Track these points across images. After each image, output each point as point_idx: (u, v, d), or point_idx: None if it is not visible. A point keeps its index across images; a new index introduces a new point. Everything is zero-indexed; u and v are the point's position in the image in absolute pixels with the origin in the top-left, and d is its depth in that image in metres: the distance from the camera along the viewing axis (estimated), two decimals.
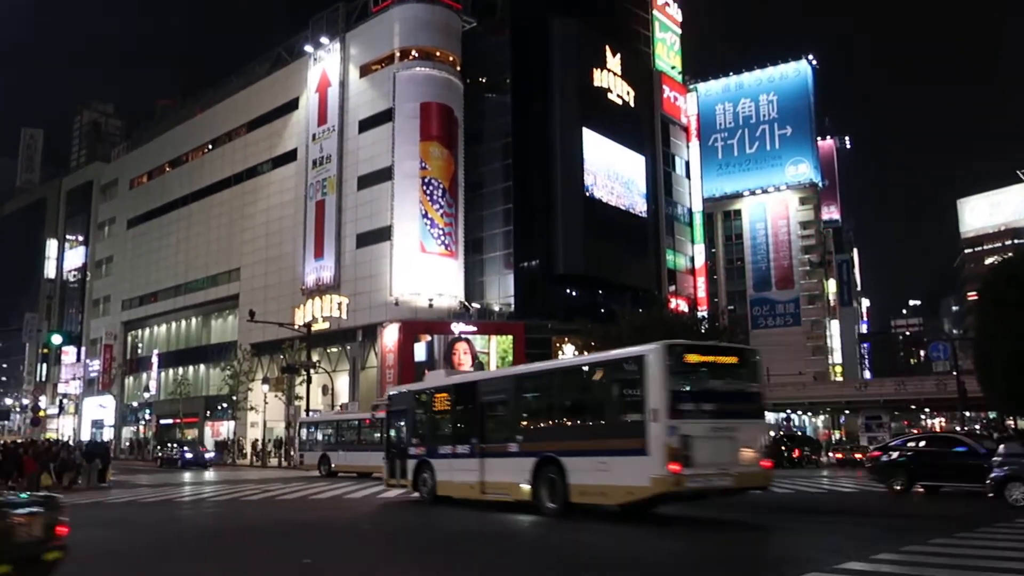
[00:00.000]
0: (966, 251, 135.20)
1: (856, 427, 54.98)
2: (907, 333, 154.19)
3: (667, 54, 66.93)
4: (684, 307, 58.84)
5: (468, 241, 50.17)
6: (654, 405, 12.64)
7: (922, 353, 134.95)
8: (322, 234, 52.38)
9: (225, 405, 57.85)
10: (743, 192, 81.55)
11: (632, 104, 58.53)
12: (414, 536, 13.48)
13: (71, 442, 41.66)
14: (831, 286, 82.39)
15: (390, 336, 46.62)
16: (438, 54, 50.61)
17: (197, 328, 66.18)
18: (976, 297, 42.34)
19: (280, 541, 12.49)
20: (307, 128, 55.07)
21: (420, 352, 46.32)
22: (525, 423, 15.96)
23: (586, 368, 16.04)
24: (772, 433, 55.81)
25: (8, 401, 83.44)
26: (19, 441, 33.01)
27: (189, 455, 44.54)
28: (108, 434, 67.62)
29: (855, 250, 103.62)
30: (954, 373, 39.83)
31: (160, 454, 48.48)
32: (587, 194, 52.11)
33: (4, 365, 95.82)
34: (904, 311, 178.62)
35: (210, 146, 64.97)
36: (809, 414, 66.73)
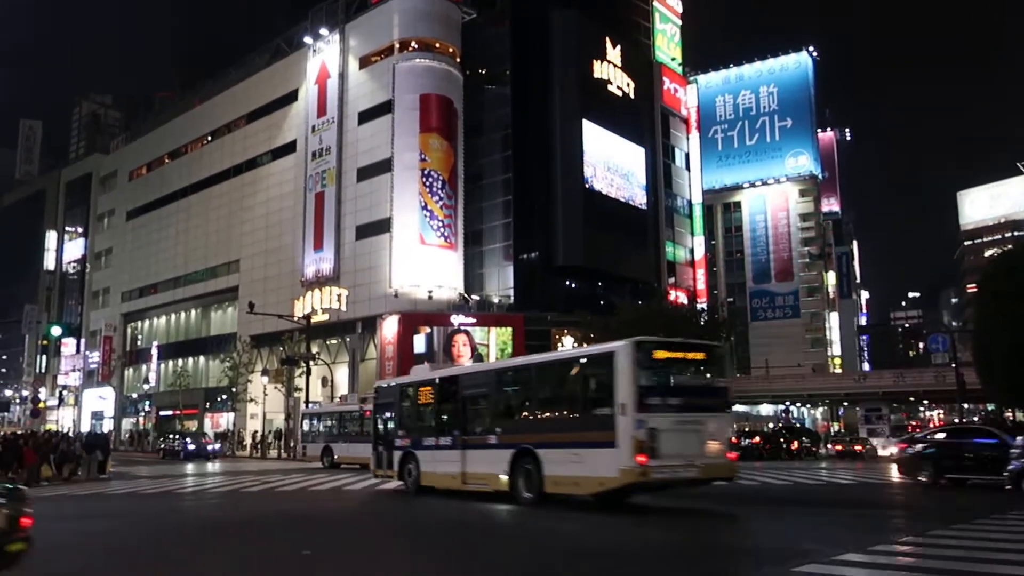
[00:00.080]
0: (966, 243, 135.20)
1: (855, 419, 55.08)
2: (906, 325, 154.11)
3: (667, 45, 66.78)
4: (683, 299, 58.86)
5: (468, 233, 50.16)
6: (622, 400, 13.11)
7: (921, 345, 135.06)
8: (321, 226, 52.35)
9: (225, 397, 57.92)
10: (743, 184, 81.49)
11: (632, 96, 58.43)
12: (408, 527, 13.50)
13: (71, 434, 41.65)
14: (830, 278, 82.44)
15: (389, 328, 46.64)
16: (438, 45, 50.48)
17: (197, 320, 66.21)
18: (975, 289, 42.41)
19: (280, 532, 12.54)
20: (306, 120, 54.98)
21: (420, 344, 46.33)
22: (503, 416, 16.40)
23: (560, 364, 16.57)
24: (771, 425, 56.00)
25: (8, 393, 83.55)
26: (19, 432, 33.01)
27: (192, 446, 44.19)
28: (108, 426, 67.69)
29: (855, 242, 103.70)
30: (953, 365, 39.82)
31: (162, 445, 48.28)
32: (587, 186, 52.07)
33: (4, 357, 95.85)
34: (903, 303, 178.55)
35: (209, 138, 64.87)
36: (808, 406, 66.84)
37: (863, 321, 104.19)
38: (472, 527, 12.97)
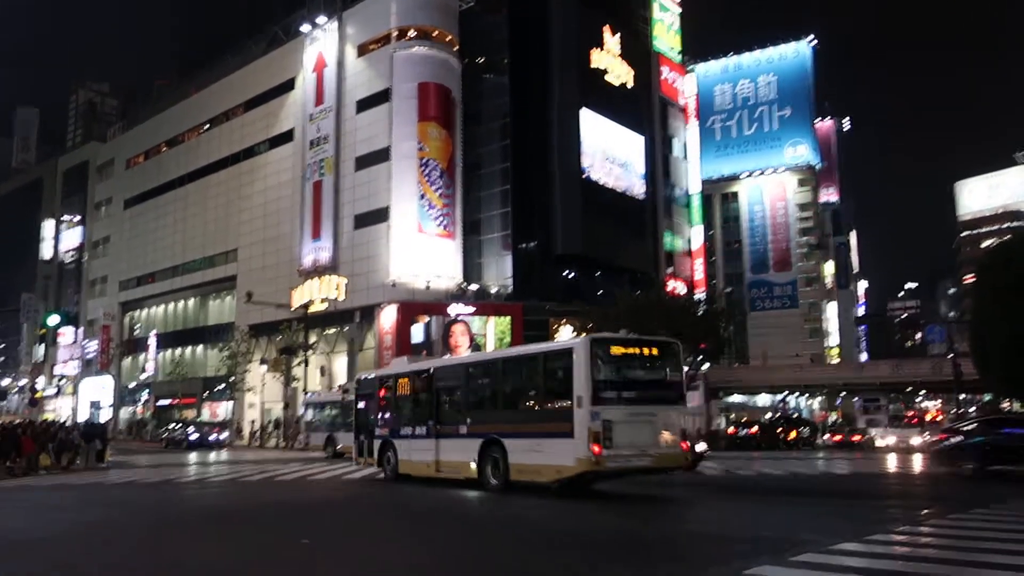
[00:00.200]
0: (964, 233, 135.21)
1: (852, 409, 55.17)
2: (904, 315, 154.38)
3: (666, 35, 66.58)
4: (682, 289, 58.88)
5: (466, 222, 50.09)
6: (579, 393, 13.91)
7: (918, 335, 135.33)
8: (319, 215, 52.26)
9: (223, 386, 57.96)
10: (741, 174, 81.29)
11: (631, 85, 58.25)
12: (402, 514, 13.58)
13: (69, 423, 41.66)
14: (828, 268, 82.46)
15: (388, 317, 46.63)
16: (436, 34, 50.28)
17: (195, 309, 66.17)
18: (973, 280, 42.39)
19: (278, 521, 12.59)
20: (304, 108, 54.80)
21: (418, 333, 46.35)
22: (473, 408, 17.16)
23: (523, 358, 17.35)
24: (769, 415, 56.11)
25: (6, 382, 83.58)
26: (17, 422, 33.00)
27: (195, 436, 43.84)
28: (106, 415, 67.73)
29: (853, 232, 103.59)
30: (950, 356, 39.93)
31: (164, 435, 48.02)
32: (585, 175, 51.97)
33: (2, 346, 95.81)
34: (901, 293, 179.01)
35: (206, 126, 64.66)
36: (805, 396, 66.93)
37: (861, 311, 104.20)
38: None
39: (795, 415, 55.84)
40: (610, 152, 54.56)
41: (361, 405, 21.43)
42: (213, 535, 11.32)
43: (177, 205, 65.99)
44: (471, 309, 46.90)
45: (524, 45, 51.95)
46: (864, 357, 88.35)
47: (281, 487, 18.61)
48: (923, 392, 65.82)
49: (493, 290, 50.18)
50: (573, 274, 52.98)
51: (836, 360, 74.33)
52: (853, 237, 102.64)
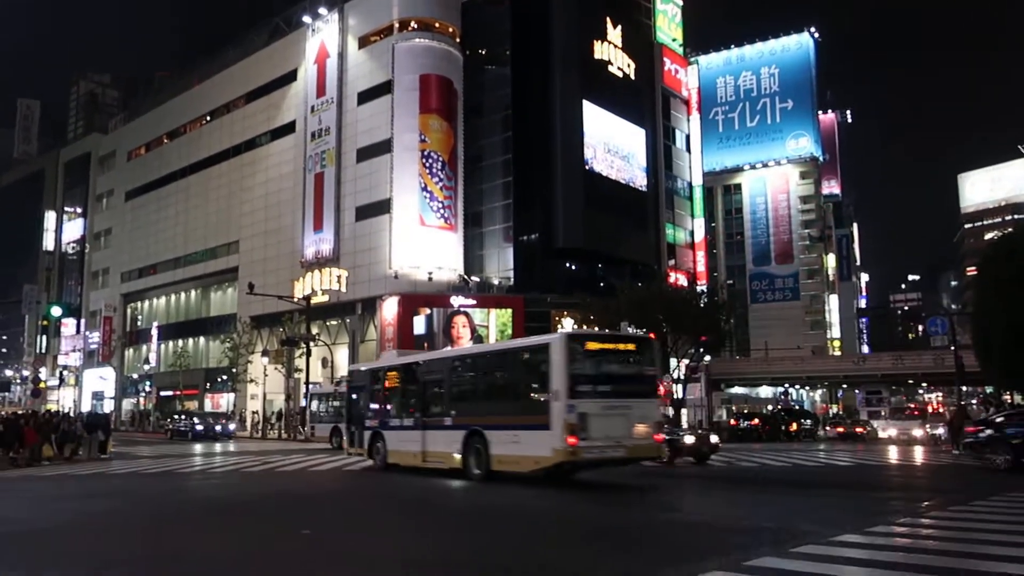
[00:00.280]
0: (966, 226, 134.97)
1: (854, 401, 55.22)
2: (906, 308, 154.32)
3: (668, 26, 66.28)
4: (683, 281, 58.82)
5: (467, 214, 50.04)
6: (556, 386, 14.37)
7: (920, 328, 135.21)
8: (321, 207, 52.23)
9: (225, 377, 58.05)
10: (743, 166, 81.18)
11: (633, 77, 58.07)
12: (400, 504, 13.64)
13: (72, 414, 41.73)
14: (830, 261, 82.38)
15: (389, 309, 46.65)
16: (437, 25, 50.12)
17: (197, 300, 66.24)
18: (975, 272, 42.35)
19: (279, 511, 12.63)
20: (306, 100, 54.69)
21: (419, 325, 46.38)
22: (457, 400, 17.70)
23: (505, 353, 18.18)
24: (770, 407, 56.15)
25: (8, 373, 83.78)
26: (20, 412, 33.06)
27: (200, 427, 43.20)
28: (109, 406, 67.87)
29: (855, 224, 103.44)
30: (952, 348, 39.87)
31: (169, 425, 47.76)
32: (587, 167, 51.85)
33: (4, 337, 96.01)
34: (903, 285, 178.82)
35: (208, 118, 64.55)
36: (807, 388, 67.00)
37: (863, 303, 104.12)
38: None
39: (797, 407, 55.92)
40: (612, 144, 54.43)
41: (353, 396, 21.98)
42: (215, 525, 11.36)
43: (179, 197, 65.96)
44: (472, 301, 46.90)
45: (526, 37, 51.76)
46: (866, 349, 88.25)
47: (283, 477, 18.67)
48: (925, 384, 65.84)
49: (495, 282, 50.17)
50: (574, 266, 52.95)
51: (838, 352, 74.32)
52: (855, 229, 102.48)
